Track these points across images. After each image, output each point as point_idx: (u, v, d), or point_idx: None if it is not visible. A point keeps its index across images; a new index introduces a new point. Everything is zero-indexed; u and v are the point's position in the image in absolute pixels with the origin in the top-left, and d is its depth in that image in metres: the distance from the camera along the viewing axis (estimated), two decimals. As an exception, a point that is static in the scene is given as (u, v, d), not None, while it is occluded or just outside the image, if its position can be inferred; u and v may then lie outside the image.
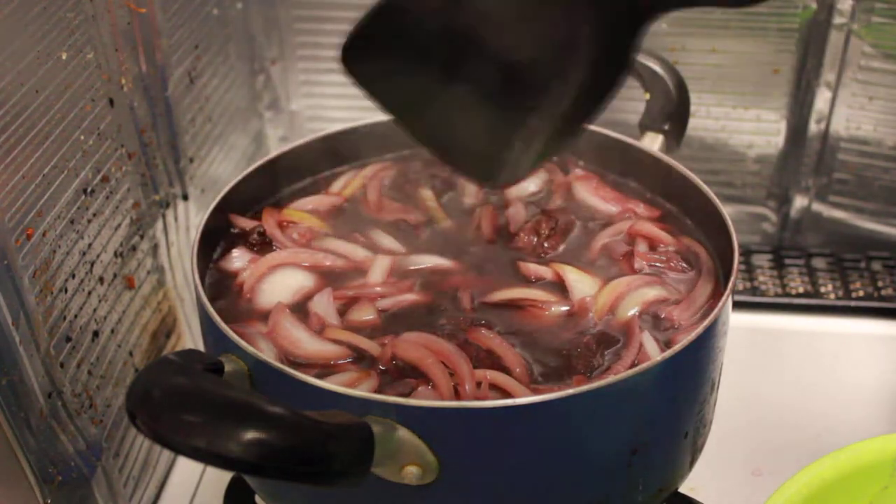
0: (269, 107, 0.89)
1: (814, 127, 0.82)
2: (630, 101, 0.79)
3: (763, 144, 0.84)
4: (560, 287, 0.56)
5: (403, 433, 0.44)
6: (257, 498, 0.58)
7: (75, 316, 0.57)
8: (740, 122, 0.83)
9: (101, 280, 0.60)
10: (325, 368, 0.51)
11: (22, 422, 0.51)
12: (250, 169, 0.61)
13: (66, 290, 0.56)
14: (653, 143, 0.65)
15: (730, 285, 0.51)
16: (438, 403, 0.45)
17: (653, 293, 0.55)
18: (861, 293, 0.82)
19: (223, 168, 0.80)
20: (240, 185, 0.60)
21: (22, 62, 0.51)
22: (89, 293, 0.59)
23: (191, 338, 0.74)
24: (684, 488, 0.55)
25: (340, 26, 0.89)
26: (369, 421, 0.43)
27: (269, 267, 0.57)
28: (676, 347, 0.47)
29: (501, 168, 0.50)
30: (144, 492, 0.66)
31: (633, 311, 0.54)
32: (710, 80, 0.80)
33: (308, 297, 0.55)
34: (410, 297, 0.55)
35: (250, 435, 0.37)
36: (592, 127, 0.65)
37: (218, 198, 0.58)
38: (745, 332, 0.76)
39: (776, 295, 0.83)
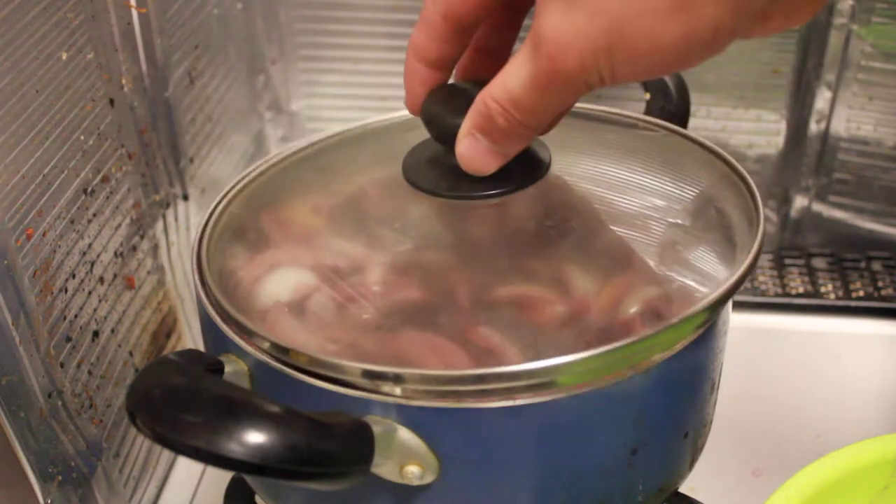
0: (269, 107, 0.90)
1: (814, 127, 0.82)
2: (630, 102, 0.79)
3: (763, 144, 0.84)
4: (561, 285, 0.56)
5: (403, 433, 0.44)
6: (257, 498, 0.58)
7: (75, 316, 0.57)
8: (740, 122, 0.83)
9: (101, 280, 0.60)
10: (325, 368, 0.51)
11: (22, 422, 0.51)
12: (250, 169, 0.61)
13: (66, 290, 0.56)
14: (653, 143, 0.65)
15: (730, 285, 0.51)
16: (439, 403, 0.45)
17: (655, 291, 0.55)
18: (861, 293, 0.82)
19: (223, 168, 0.80)
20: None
21: (22, 62, 0.51)
22: (89, 293, 0.59)
23: (191, 338, 0.74)
24: (684, 488, 0.55)
25: (341, 26, 0.89)
26: (369, 421, 0.43)
27: (267, 266, 0.57)
28: (677, 347, 0.47)
29: None
30: (144, 492, 0.66)
31: (634, 309, 0.54)
32: (710, 80, 0.80)
33: (307, 296, 0.55)
34: (410, 296, 0.55)
35: (250, 435, 0.37)
36: (592, 127, 0.65)
37: (218, 198, 0.58)
38: (745, 332, 0.76)
39: (776, 295, 0.83)
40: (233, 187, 0.59)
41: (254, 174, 0.61)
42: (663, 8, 0.37)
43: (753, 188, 0.55)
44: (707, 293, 0.51)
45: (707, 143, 0.59)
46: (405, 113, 0.55)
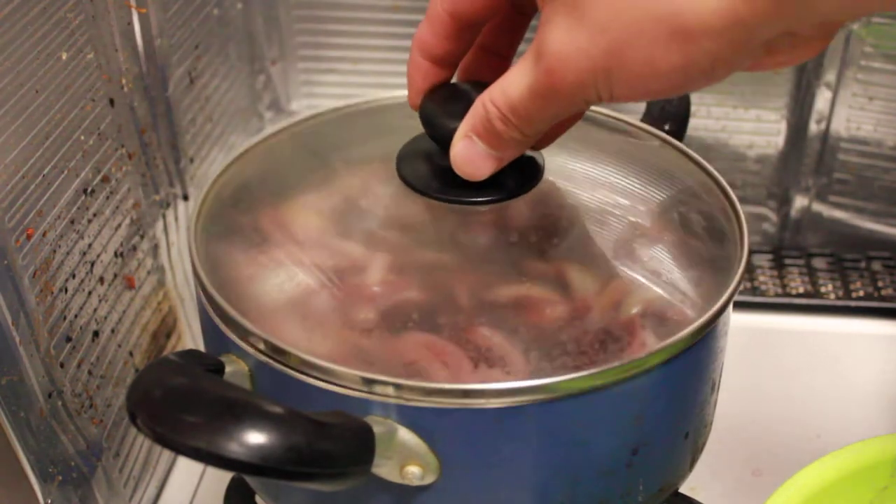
0: (269, 107, 0.90)
1: (814, 127, 0.82)
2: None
3: (763, 144, 0.84)
4: (562, 285, 0.56)
5: (404, 433, 0.44)
6: (257, 498, 0.58)
7: (75, 316, 0.57)
8: (740, 122, 0.83)
9: (101, 280, 0.60)
10: (325, 368, 0.51)
11: (22, 422, 0.51)
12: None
13: (66, 290, 0.56)
14: (653, 143, 0.65)
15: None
16: (439, 403, 0.45)
17: (655, 292, 0.55)
18: (861, 293, 0.82)
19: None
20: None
21: (22, 62, 0.51)
22: (89, 293, 0.59)
23: (191, 338, 0.74)
24: (684, 488, 0.55)
25: (341, 26, 0.89)
26: (370, 421, 0.43)
27: (267, 266, 0.57)
28: (677, 350, 0.47)
29: None
30: (144, 492, 0.66)
31: (635, 310, 0.54)
32: (711, 80, 0.80)
33: (306, 296, 0.55)
34: (410, 296, 0.55)
35: (251, 435, 0.37)
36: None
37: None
38: (745, 332, 0.76)
39: (776, 295, 0.83)
40: (219, 176, 0.58)
41: (246, 157, 0.60)
42: (661, 36, 0.37)
43: (735, 203, 0.56)
44: (700, 296, 0.52)
45: (691, 153, 0.60)
46: (405, 93, 0.55)
